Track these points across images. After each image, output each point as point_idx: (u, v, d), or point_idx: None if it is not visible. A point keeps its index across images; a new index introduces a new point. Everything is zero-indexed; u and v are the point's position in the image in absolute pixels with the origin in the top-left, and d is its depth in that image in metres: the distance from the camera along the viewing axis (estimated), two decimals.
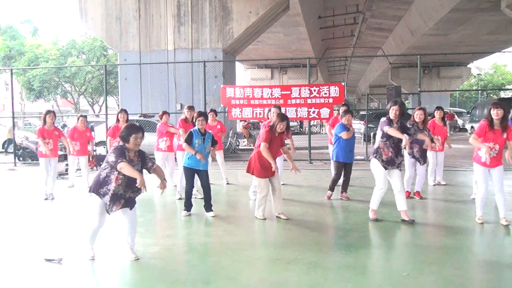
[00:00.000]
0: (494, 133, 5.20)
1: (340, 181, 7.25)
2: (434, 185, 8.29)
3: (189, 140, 5.93)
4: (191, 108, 7.60)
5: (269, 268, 4.09)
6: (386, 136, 5.41)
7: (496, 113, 5.15)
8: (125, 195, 4.19)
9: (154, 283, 3.77)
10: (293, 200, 7.19)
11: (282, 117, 5.65)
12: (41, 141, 7.37)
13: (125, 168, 3.95)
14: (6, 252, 4.64)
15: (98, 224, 4.27)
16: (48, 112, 7.50)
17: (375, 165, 5.55)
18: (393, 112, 5.35)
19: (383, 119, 5.48)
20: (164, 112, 8.35)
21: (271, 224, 5.72)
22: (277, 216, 5.88)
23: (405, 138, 5.16)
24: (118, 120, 8.21)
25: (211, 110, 8.61)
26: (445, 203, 7.00)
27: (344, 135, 6.87)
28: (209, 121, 8.08)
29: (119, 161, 3.98)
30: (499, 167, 5.32)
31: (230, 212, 6.54)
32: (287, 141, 6.53)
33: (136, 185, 3.97)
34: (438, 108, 8.05)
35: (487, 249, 4.80)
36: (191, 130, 6.09)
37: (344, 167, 7.15)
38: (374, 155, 5.56)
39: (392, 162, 5.46)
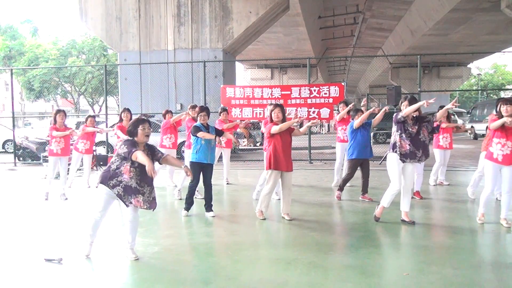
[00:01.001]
0: (505, 129, 5.12)
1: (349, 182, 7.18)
2: (434, 185, 8.29)
3: (200, 130, 5.89)
4: (194, 107, 7.68)
5: (269, 268, 4.09)
6: (401, 129, 5.35)
7: (506, 110, 5.05)
8: (143, 190, 4.13)
9: (154, 283, 3.77)
10: (293, 200, 7.15)
11: (275, 105, 5.74)
12: (55, 132, 7.18)
13: (139, 155, 3.91)
14: (6, 252, 4.64)
15: (100, 216, 4.25)
16: (59, 111, 7.39)
17: (392, 160, 5.42)
18: (404, 107, 5.36)
19: (395, 114, 5.43)
20: (167, 111, 8.63)
21: (271, 224, 5.72)
22: (282, 216, 5.86)
23: (424, 102, 5.14)
24: (121, 119, 8.19)
25: (224, 110, 8.70)
26: (445, 203, 7.00)
27: (357, 123, 6.75)
28: (221, 118, 8.44)
29: (133, 150, 3.96)
30: (511, 166, 5.22)
31: (230, 212, 6.54)
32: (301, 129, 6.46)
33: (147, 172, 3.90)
34: (442, 107, 8.12)
35: (487, 249, 4.79)
36: (195, 124, 6.07)
37: (361, 165, 6.94)
38: (391, 150, 5.44)
39: (412, 155, 5.31)
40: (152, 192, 4.22)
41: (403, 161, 5.35)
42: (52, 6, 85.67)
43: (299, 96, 11.17)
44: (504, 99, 5.17)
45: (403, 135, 5.33)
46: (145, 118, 4.26)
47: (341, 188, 7.14)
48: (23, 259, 4.41)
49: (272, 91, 11.32)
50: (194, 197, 6.19)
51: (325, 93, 11.04)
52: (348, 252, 4.50)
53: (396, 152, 5.36)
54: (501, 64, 55.69)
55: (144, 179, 4.12)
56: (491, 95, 47.89)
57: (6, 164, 12.82)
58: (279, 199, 6.44)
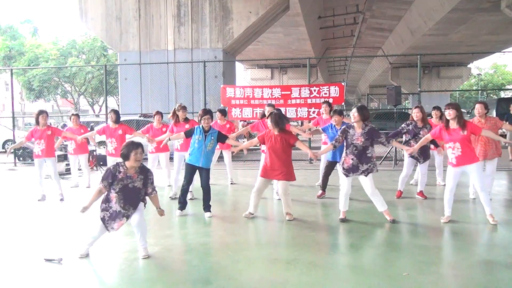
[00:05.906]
0: (449, 133, 5.32)
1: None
2: (444, 184, 8.25)
3: (188, 134, 6.08)
4: (184, 108, 7.56)
5: (269, 268, 4.09)
6: (346, 145, 5.53)
7: (448, 114, 5.31)
8: (127, 213, 4.25)
9: (154, 283, 3.77)
10: (293, 200, 7.15)
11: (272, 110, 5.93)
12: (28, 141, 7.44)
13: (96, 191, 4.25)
14: (6, 252, 4.64)
15: (97, 235, 4.37)
16: (41, 112, 7.35)
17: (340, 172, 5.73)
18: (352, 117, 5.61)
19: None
20: (157, 112, 8.37)
21: (271, 224, 5.73)
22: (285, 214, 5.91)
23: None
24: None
25: (219, 110, 8.69)
26: None
27: (324, 149, 6.52)
28: (218, 121, 8.45)
29: (100, 183, 4.24)
30: (473, 165, 5.29)
31: (231, 212, 6.54)
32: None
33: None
34: (435, 108, 8.16)
35: (487, 249, 4.79)
36: (196, 126, 6.15)
37: (330, 166, 7.25)
38: (340, 164, 5.74)
39: (355, 169, 5.45)
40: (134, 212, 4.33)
41: (346, 176, 5.51)
42: (52, 6, 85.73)
43: (299, 96, 11.16)
44: (447, 103, 5.49)
45: (347, 151, 5.50)
46: (139, 142, 4.29)
47: (322, 188, 7.41)
48: (23, 259, 4.42)
49: (272, 91, 11.32)
50: (189, 197, 6.25)
51: (325, 93, 11.02)
52: (348, 252, 4.50)
53: (341, 166, 5.62)
54: (501, 64, 55.71)
55: (128, 201, 4.23)
56: (491, 95, 47.86)
57: (6, 164, 12.82)
58: (279, 199, 6.45)
